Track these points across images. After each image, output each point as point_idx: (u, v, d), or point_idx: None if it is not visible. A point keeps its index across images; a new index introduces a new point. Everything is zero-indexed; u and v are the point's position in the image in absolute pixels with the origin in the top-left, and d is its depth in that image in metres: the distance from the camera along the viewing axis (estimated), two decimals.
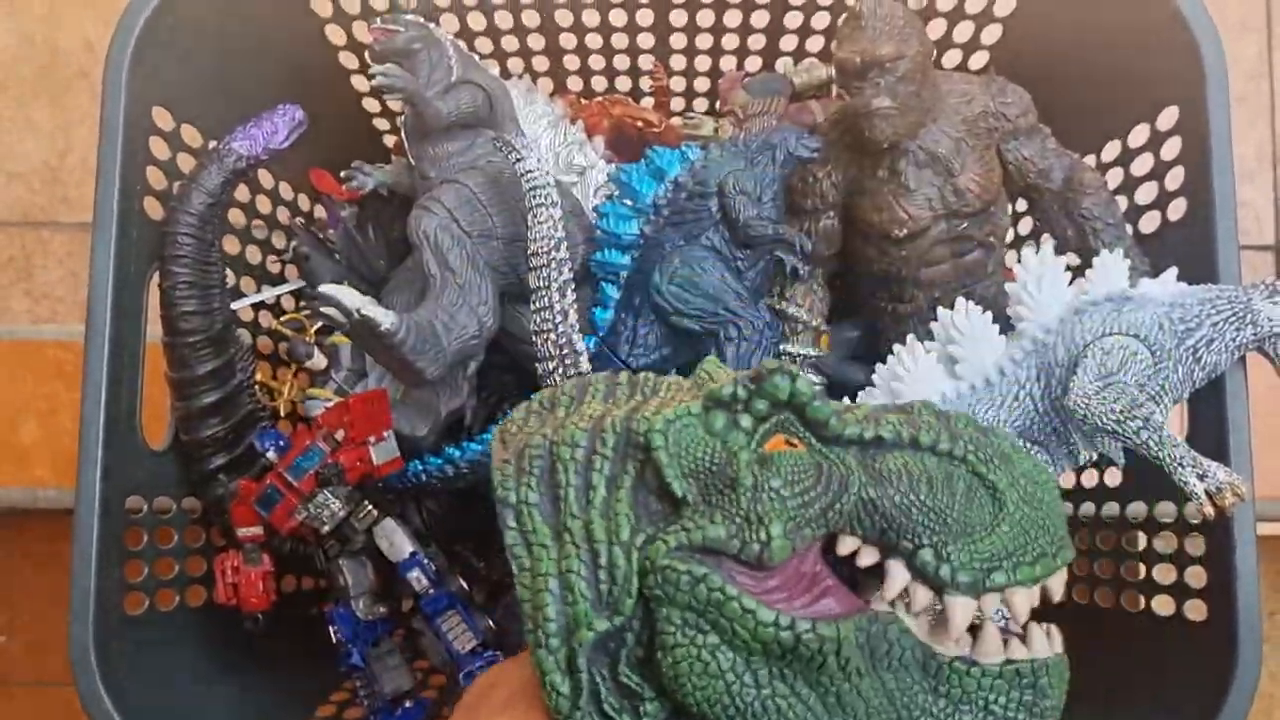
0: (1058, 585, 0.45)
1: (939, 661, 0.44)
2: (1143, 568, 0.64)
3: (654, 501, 0.44)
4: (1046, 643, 0.45)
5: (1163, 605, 0.63)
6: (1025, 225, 0.77)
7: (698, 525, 0.43)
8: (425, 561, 0.66)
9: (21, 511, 1.04)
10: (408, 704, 0.68)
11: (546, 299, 0.63)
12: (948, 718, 0.44)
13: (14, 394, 0.94)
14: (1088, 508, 0.71)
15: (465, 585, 0.70)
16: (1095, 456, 0.64)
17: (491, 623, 0.68)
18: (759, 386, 0.45)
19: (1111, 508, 0.68)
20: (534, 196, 0.63)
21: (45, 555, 1.11)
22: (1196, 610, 0.60)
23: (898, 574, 0.44)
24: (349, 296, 0.59)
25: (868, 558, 0.44)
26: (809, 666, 0.42)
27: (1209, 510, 0.51)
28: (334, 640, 0.68)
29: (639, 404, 0.47)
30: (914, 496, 0.43)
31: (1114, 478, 0.69)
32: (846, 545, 0.44)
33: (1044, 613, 0.63)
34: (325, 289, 0.59)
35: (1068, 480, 0.73)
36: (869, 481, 0.44)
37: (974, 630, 0.44)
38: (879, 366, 0.63)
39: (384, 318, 0.59)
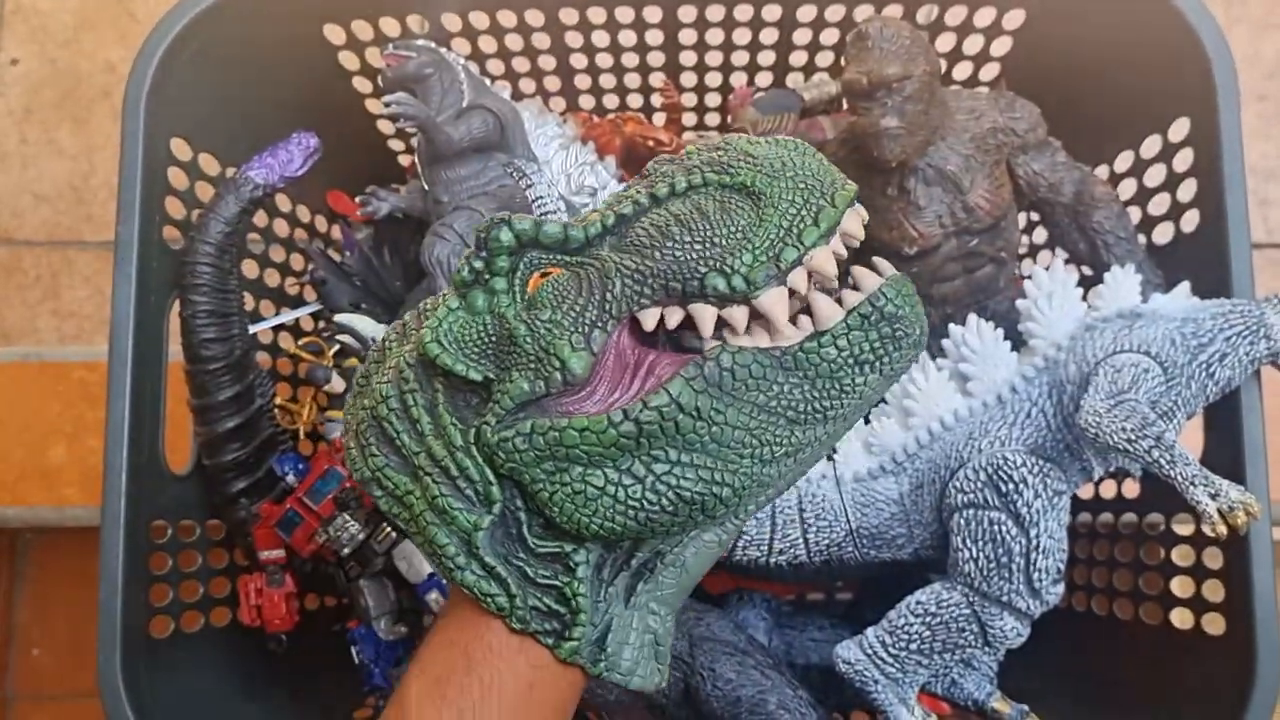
0: (854, 226, 0.45)
1: (789, 353, 0.44)
2: (1161, 580, 0.64)
3: (468, 399, 0.46)
4: (871, 276, 0.45)
5: (1181, 619, 0.63)
6: (1040, 235, 0.77)
7: (504, 391, 0.45)
8: (444, 583, 0.66)
9: (52, 529, 1.06)
10: None
11: None
12: (827, 395, 0.44)
13: (43, 415, 0.96)
14: (1106, 518, 0.70)
15: None
16: (1112, 469, 0.64)
17: None
18: (486, 248, 0.46)
19: (1129, 519, 0.68)
20: None
21: (76, 571, 1.12)
22: (1214, 624, 0.60)
23: (702, 313, 0.44)
24: (365, 325, 0.60)
25: (674, 318, 0.45)
26: (668, 436, 0.43)
27: (1221, 529, 0.51)
28: (356, 660, 0.69)
29: (419, 331, 0.49)
30: (671, 243, 0.44)
31: (1132, 489, 0.68)
32: (648, 319, 0.45)
33: (1059, 625, 0.64)
34: (341, 318, 0.60)
35: (1085, 491, 0.73)
36: (626, 256, 0.45)
37: (808, 312, 0.45)
38: None
39: None
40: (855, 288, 0.45)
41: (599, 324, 0.44)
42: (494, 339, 0.46)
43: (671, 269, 0.44)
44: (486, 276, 0.46)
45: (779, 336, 0.44)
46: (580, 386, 0.44)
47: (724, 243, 0.43)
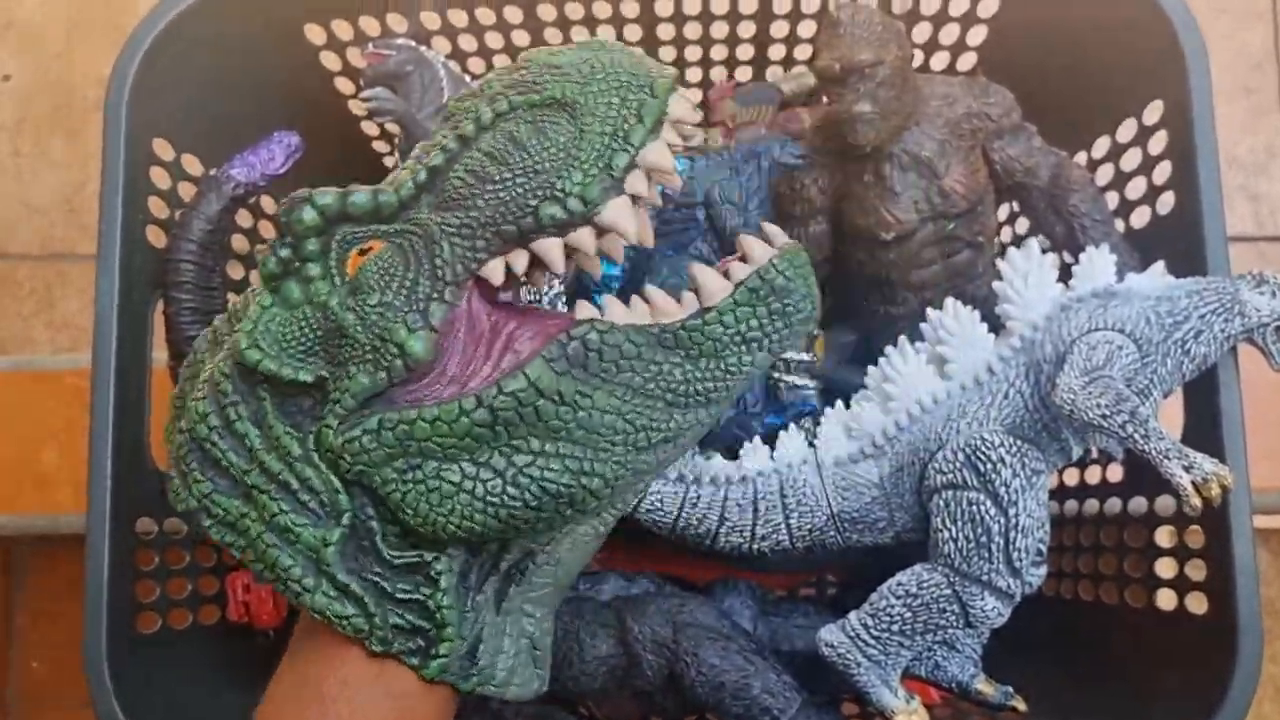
0: (682, 110, 0.41)
1: (670, 331, 0.41)
2: (1144, 563, 0.64)
3: (300, 404, 0.42)
4: (761, 247, 0.42)
5: (1165, 600, 0.63)
6: (1023, 226, 0.78)
7: (343, 389, 0.41)
8: None
9: (46, 538, 1.06)
10: None
11: None
12: (711, 376, 0.41)
13: (36, 422, 0.96)
14: (1091, 505, 0.71)
15: None
16: (1095, 453, 0.64)
17: None
18: (291, 233, 0.42)
19: (1114, 504, 0.68)
20: None
21: (74, 583, 1.12)
22: (1198, 603, 0.60)
23: (546, 247, 0.41)
24: None
25: (520, 262, 0.41)
26: (528, 423, 0.39)
27: (1196, 502, 0.51)
28: None
29: (232, 336, 0.44)
30: (492, 185, 0.40)
31: (1116, 474, 0.68)
32: (494, 273, 0.41)
33: (1045, 613, 0.64)
34: None
35: (1071, 478, 0.73)
36: (448, 214, 0.41)
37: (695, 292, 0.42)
38: (870, 369, 0.64)
39: None
40: (744, 260, 0.42)
41: (434, 296, 0.41)
42: (319, 333, 0.42)
43: (499, 213, 0.40)
44: (296, 264, 0.42)
45: (660, 314, 0.42)
46: (427, 369, 0.40)
47: (548, 167, 0.40)
